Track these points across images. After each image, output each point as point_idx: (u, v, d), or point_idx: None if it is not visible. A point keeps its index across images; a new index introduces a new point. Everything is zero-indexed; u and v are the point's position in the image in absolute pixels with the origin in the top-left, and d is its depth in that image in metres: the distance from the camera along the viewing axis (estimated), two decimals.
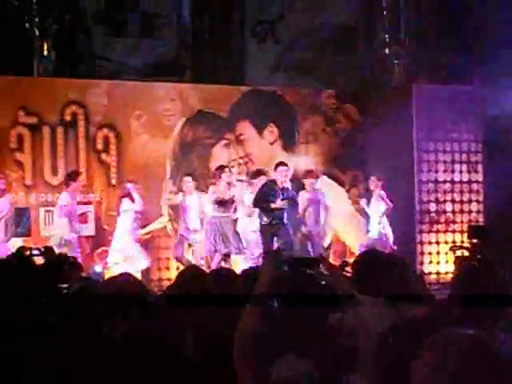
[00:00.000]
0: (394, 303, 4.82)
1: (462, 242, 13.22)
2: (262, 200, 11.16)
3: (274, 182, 11.32)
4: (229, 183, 11.46)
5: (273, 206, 11.11)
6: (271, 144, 13.35)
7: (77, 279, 5.34)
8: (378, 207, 12.31)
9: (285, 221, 11.22)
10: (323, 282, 4.98)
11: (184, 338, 4.52)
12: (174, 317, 4.91)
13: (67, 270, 5.14)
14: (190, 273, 5.80)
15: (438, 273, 13.29)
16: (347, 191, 13.62)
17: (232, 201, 11.46)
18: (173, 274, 11.77)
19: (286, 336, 3.81)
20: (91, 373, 3.17)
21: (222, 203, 11.37)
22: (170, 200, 12.63)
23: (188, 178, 11.86)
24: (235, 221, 11.75)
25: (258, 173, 11.84)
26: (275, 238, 11.12)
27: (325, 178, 13.41)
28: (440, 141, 13.61)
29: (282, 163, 11.53)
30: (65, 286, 4.49)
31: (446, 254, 13.42)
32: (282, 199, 11.13)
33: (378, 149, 13.29)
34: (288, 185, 11.32)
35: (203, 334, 4.61)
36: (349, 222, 13.22)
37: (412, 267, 11.26)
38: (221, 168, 11.69)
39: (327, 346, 4.03)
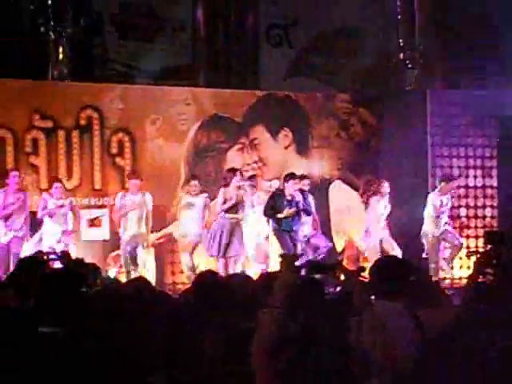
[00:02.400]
0: (410, 307, 4.84)
1: (477, 247, 13.21)
2: (270, 210, 11.36)
3: (281, 192, 11.44)
4: (239, 187, 11.50)
5: (279, 215, 11.30)
6: (285, 148, 13.36)
7: (95, 283, 5.37)
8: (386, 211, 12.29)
9: (294, 228, 11.35)
10: (339, 288, 5.01)
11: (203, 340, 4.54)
12: (192, 319, 4.95)
13: (86, 273, 5.17)
14: (207, 277, 5.84)
15: (452, 278, 13.27)
16: (361, 195, 13.59)
17: (241, 203, 11.49)
18: (187, 278, 11.80)
19: (304, 338, 3.82)
20: (114, 375, 3.19)
21: (231, 205, 11.42)
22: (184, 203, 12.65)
23: (194, 182, 11.87)
24: (244, 223, 11.76)
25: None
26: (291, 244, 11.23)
27: (339, 182, 13.44)
28: (454, 146, 13.60)
29: (291, 176, 11.59)
30: (84, 289, 4.52)
31: (460, 258, 13.40)
32: (290, 208, 11.30)
33: (392, 153, 13.30)
34: (297, 195, 11.39)
35: (221, 335, 4.64)
36: (362, 228, 13.19)
37: (427, 272, 11.34)
38: (232, 171, 11.72)
39: (345, 348, 4.05)
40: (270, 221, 11.61)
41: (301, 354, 3.92)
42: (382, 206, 12.23)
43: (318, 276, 4.57)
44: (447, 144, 13.56)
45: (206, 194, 11.95)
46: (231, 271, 11.17)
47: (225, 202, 11.46)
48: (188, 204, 11.90)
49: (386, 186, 12.22)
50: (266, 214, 11.53)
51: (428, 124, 13.42)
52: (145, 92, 12.85)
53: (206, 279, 5.70)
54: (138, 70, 14.17)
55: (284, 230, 11.38)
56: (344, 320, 4.03)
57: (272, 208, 11.41)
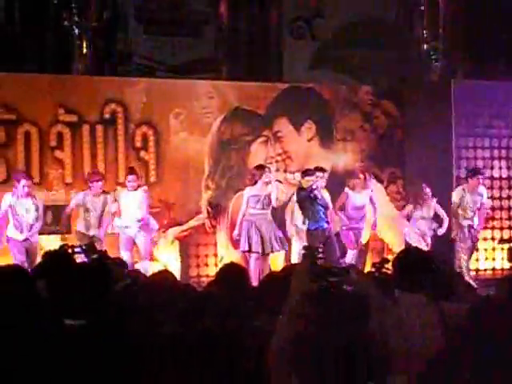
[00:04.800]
0: (434, 300, 4.85)
1: (502, 237, 13.20)
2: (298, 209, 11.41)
3: (303, 189, 11.44)
4: (267, 183, 11.50)
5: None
6: (309, 141, 13.37)
7: (122, 276, 5.43)
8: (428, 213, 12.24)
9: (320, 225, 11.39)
10: (351, 288, 4.93)
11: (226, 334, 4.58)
12: (215, 313, 4.99)
13: (112, 267, 5.22)
14: (230, 270, 5.88)
15: (477, 270, 13.27)
16: (385, 188, 13.60)
17: (269, 198, 11.49)
18: (211, 271, 11.86)
19: (323, 343, 3.83)
20: (145, 367, 3.23)
21: (259, 200, 11.42)
22: (207, 197, 12.72)
23: (132, 176, 11.56)
24: (273, 218, 11.77)
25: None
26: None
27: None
28: (479, 137, 13.57)
29: (308, 172, 11.61)
30: (112, 283, 4.57)
31: (486, 250, 13.39)
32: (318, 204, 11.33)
33: (417, 145, 13.28)
34: (317, 192, 11.41)
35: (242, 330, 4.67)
36: (387, 220, 13.21)
37: (451, 264, 11.32)
38: (261, 168, 11.72)
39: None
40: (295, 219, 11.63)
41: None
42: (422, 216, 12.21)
43: (332, 279, 4.57)
44: (472, 135, 13.53)
45: (145, 187, 11.74)
46: (263, 268, 11.22)
47: (254, 200, 11.44)
48: (127, 198, 11.53)
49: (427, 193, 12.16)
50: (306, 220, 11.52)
51: (452, 115, 13.39)
52: (168, 86, 12.89)
53: (229, 270, 5.74)
54: (161, 64, 14.21)
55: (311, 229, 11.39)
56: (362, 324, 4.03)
57: (311, 215, 11.41)
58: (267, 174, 11.51)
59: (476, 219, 12.24)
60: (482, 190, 12.34)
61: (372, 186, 12.41)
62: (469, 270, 12.14)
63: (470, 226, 12.18)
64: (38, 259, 10.19)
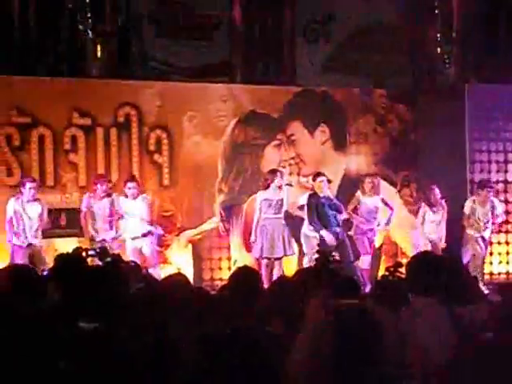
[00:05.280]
0: (447, 303, 4.85)
1: None
2: (310, 213, 11.38)
3: (315, 194, 11.44)
4: (280, 186, 11.51)
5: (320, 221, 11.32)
6: (322, 144, 13.36)
7: (136, 280, 5.43)
8: (437, 216, 12.24)
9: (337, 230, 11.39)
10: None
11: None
12: (227, 316, 4.99)
13: (126, 270, 5.24)
14: (243, 273, 5.88)
15: (491, 273, 13.23)
16: (398, 191, 13.58)
17: (282, 202, 11.49)
18: (225, 275, 11.87)
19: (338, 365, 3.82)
20: (155, 371, 3.24)
21: (272, 205, 11.43)
22: (221, 200, 12.73)
23: (132, 184, 11.49)
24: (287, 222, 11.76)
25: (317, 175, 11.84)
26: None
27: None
28: (493, 140, 13.54)
29: (318, 174, 11.64)
30: (125, 286, 4.58)
31: (500, 254, 13.35)
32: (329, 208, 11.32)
33: (430, 149, 13.25)
34: (329, 194, 11.42)
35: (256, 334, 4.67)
36: (400, 223, 13.18)
37: (464, 268, 11.27)
38: (273, 172, 11.73)
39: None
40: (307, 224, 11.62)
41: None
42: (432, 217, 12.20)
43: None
44: (485, 138, 13.50)
45: (144, 195, 11.70)
46: (275, 273, 11.21)
47: (266, 205, 11.44)
48: (128, 207, 11.47)
49: (436, 194, 12.17)
50: (312, 225, 11.47)
51: (466, 119, 13.37)
52: (182, 89, 12.91)
53: (242, 274, 5.74)
54: (175, 67, 14.22)
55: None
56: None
57: (318, 218, 11.40)
58: (280, 178, 11.51)
59: (488, 232, 12.22)
60: (495, 202, 12.32)
61: (383, 190, 12.42)
62: (483, 274, 12.12)
63: (482, 238, 12.17)
64: (45, 263, 10.26)
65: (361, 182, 12.36)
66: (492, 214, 12.24)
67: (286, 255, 11.54)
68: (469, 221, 12.13)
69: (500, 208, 12.39)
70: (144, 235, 11.41)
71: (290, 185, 12.04)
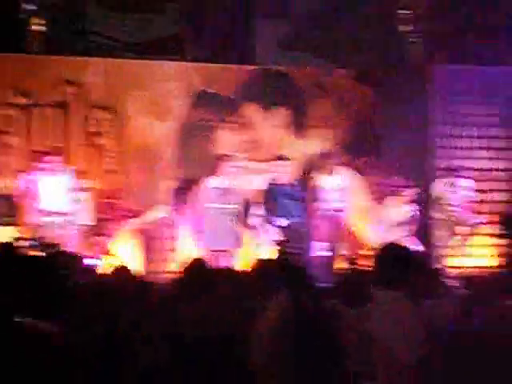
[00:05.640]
0: (415, 297, 4.85)
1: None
2: (267, 204, 11.28)
3: (274, 181, 11.40)
4: (230, 173, 11.44)
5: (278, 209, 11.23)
6: (279, 128, 13.34)
7: (76, 272, 5.38)
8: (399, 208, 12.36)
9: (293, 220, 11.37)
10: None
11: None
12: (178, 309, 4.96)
13: (66, 261, 5.17)
14: (195, 266, 5.84)
15: (460, 267, 13.31)
16: (360, 177, 13.59)
17: (232, 191, 11.42)
18: (174, 267, 11.79)
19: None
20: (100, 367, 3.22)
21: (222, 194, 11.35)
22: (170, 187, 12.66)
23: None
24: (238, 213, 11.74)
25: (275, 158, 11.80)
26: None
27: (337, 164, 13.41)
28: (459, 125, 13.61)
29: (279, 157, 11.61)
30: (65, 278, 4.51)
31: (471, 246, 13.41)
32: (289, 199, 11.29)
33: (393, 133, 13.29)
34: (288, 180, 11.38)
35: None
36: (362, 212, 13.22)
37: (434, 262, 11.40)
38: (224, 157, 11.66)
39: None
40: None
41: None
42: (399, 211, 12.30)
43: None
44: (451, 123, 13.56)
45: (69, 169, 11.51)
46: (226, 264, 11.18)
47: (215, 193, 11.38)
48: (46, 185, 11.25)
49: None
50: (270, 214, 11.46)
51: (431, 102, 13.41)
52: (129, 66, 12.81)
53: (193, 266, 5.70)
54: (121, 43, 14.09)
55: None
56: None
57: (267, 201, 11.36)
58: (231, 164, 11.44)
59: (457, 214, 12.38)
60: (463, 182, 12.48)
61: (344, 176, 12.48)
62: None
63: (452, 222, 12.31)
64: None
65: (319, 162, 12.36)
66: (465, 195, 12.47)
67: (236, 248, 11.49)
68: (438, 204, 12.29)
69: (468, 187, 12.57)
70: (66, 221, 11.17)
71: (243, 170, 11.91)
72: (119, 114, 12.52)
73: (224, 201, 11.39)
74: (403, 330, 4.55)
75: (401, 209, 12.38)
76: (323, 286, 6.38)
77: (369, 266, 5.32)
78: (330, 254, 12.10)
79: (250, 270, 5.98)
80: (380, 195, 13.03)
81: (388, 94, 13.43)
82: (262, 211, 11.70)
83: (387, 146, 13.38)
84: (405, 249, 5.09)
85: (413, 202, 12.43)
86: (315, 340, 3.83)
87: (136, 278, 5.65)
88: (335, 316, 4.47)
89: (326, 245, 12.08)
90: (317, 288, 5.27)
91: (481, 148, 13.72)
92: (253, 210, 11.89)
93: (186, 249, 12.27)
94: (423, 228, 12.47)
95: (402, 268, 4.83)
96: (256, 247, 11.96)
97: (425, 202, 12.49)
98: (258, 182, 11.98)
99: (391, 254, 4.92)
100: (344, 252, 12.40)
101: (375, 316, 4.67)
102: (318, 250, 11.85)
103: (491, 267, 13.01)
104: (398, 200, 12.38)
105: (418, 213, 12.46)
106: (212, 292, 5.10)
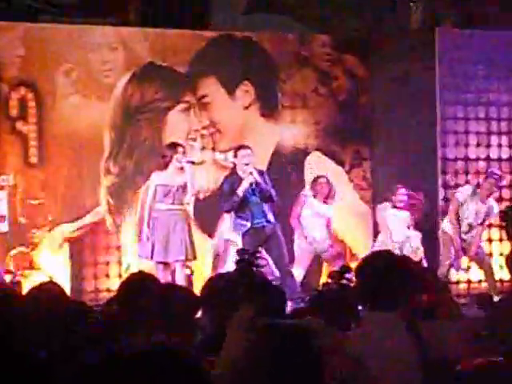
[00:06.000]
0: (409, 319, 4.88)
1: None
2: (225, 199, 11.36)
3: (235, 174, 11.44)
4: (181, 168, 11.44)
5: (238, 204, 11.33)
6: (245, 108, 13.41)
7: None
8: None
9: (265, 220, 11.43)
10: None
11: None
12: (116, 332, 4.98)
13: None
14: (136, 282, 5.85)
15: (468, 281, 13.42)
16: (347, 172, 13.68)
17: (184, 189, 11.43)
18: (113, 284, 11.82)
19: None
20: None
21: (170, 192, 11.37)
22: (109, 184, 12.67)
23: None
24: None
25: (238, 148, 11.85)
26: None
27: (317, 154, 13.47)
28: (471, 105, 13.70)
29: (242, 146, 11.65)
30: None
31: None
32: (253, 194, 11.32)
33: (389, 116, 13.37)
34: (256, 175, 11.40)
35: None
36: (349, 215, 13.29)
37: (436, 274, 11.44)
38: (173, 147, 11.66)
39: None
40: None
41: None
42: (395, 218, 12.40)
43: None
44: (462, 102, 13.65)
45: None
46: (177, 278, 11.20)
47: (162, 191, 11.40)
48: None
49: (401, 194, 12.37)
50: (224, 209, 11.56)
51: (436, 76, 13.49)
52: (56, 33, 12.80)
53: (134, 282, 5.71)
54: (46, 4, 14.09)
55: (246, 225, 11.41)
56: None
57: (226, 197, 11.39)
58: (181, 155, 11.45)
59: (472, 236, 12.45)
60: (492, 201, 12.51)
61: (327, 170, 12.59)
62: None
63: (463, 241, 12.38)
64: None
65: (314, 183, 12.53)
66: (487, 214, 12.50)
67: (186, 260, 11.49)
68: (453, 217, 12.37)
69: (495, 208, 12.59)
70: None
71: (193, 162, 11.88)
72: (44, 94, 12.50)
73: (171, 201, 11.39)
74: (394, 358, 4.58)
75: (397, 214, 12.45)
76: (302, 307, 6.42)
77: (352, 282, 5.35)
78: (307, 264, 12.18)
79: (205, 285, 6.01)
80: (372, 196, 13.12)
81: (382, 66, 13.50)
82: (221, 212, 11.73)
83: (382, 133, 13.47)
84: (396, 258, 5.12)
85: (413, 207, 12.51)
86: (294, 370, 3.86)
87: (66, 298, 5.65)
88: (316, 341, 4.50)
89: (302, 254, 12.16)
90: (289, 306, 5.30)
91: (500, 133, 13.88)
92: (210, 212, 11.93)
93: (126, 261, 12.30)
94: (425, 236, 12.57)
95: (392, 283, 4.84)
96: (214, 257, 12.00)
97: (431, 208, 12.60)
98: (216, 177, 12.00)
99: (378, 265, 4.92)
100: (325, 262, 12.52)
101: (362, 341, 4.69)
102: (292, 260, 11.92)
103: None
104: (395, 203, 12.44)
105: (419, 220, 12.56)
106: (157, 317, 5.11)
